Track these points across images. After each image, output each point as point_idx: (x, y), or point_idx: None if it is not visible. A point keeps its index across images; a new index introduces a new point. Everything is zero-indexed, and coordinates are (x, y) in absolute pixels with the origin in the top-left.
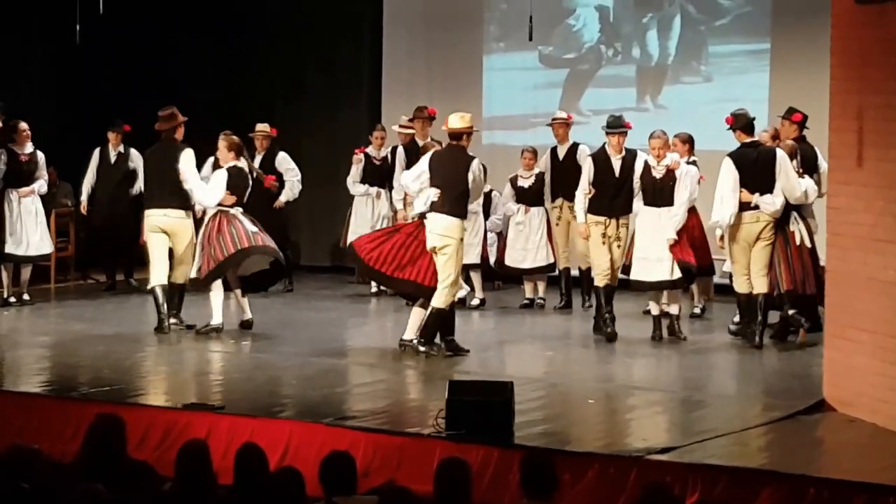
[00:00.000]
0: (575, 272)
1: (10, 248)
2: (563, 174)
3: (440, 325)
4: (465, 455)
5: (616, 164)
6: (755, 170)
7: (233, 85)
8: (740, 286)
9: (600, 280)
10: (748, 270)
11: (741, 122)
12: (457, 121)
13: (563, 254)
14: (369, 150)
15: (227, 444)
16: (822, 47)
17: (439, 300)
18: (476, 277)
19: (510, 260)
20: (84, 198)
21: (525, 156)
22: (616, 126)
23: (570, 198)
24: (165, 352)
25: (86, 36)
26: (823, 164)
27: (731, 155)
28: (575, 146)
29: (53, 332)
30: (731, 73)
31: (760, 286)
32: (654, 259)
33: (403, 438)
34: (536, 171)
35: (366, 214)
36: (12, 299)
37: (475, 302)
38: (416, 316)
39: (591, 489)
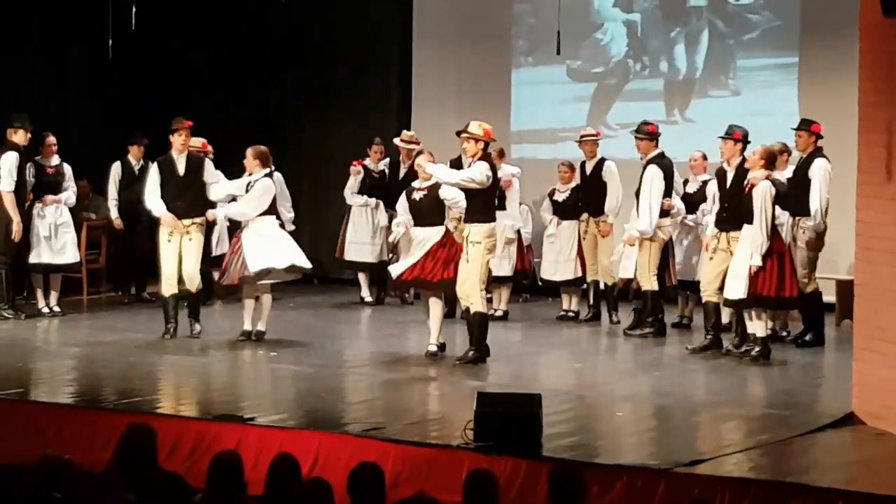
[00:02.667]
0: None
1: (39, 258)
2: (589, 189)
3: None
4: (494, 467)
5: (729, 175)
6: (671, 178)
7: (264, 98)
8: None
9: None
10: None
11: (656, 136)
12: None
13: (591, 267)
14: (367, 162)
15: (256, 456)
16: (850, 61)
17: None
18: (505, 290)
19: (544, 272)
20: (115, 213)
21: (561, 170)
22: (726, 133)
23: (595, 212)
24: (196, 363)
25: (118, 50)
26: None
27: (659, 165)
28: (602, 162)
29: (85, 343)
30: (760, 86)
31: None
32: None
33: (432, 450)
34: (572, 184)
35: (364, 225)
36: (45, 310)
37: (498, 314)
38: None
39: (619, 502)
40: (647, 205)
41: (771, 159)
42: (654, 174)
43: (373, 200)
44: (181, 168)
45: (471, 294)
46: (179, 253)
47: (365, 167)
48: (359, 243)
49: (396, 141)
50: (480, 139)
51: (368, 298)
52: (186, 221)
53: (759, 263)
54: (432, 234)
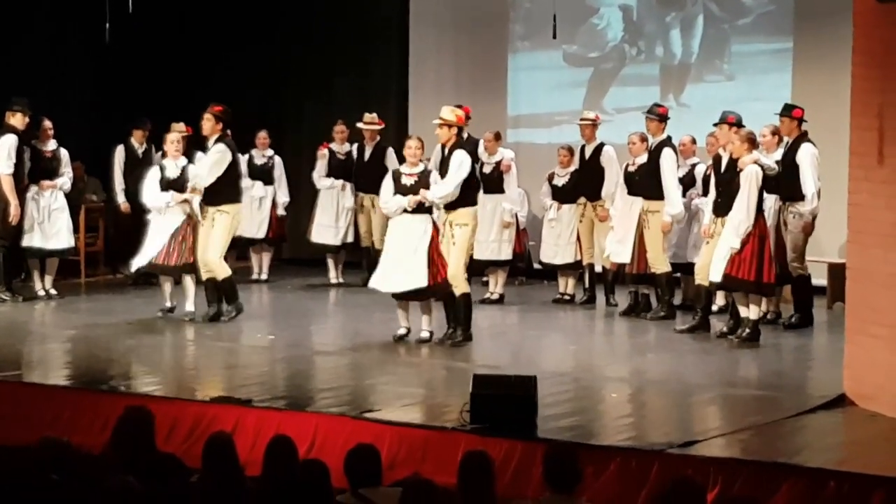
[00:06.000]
0: (598, 269)
1: (32, 242)
2: (587, 174)
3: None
4: (489, 448)
5: (724, 161)
6: None
7: (261, 85)
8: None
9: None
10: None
11: (666, 118)
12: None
13: (588, 251)
14: (333, 145)
15: (254, 437)
16: (844, 46)
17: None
18: (501, 273)
19: (543, 255)
20: (122, 197)
21: (560, 153)
22: (720, 119)
23: (592, 197)
24: (193, 346)
25: (115, 35)
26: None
27: (673, 147)
28: (600, 147)
29: (83, 326)
30: (754, 71)
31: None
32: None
33: (428, 432)
34: (572, 168)
35: (330, 207)
36: (41, 293)
37: (494, 297)
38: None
39: (613, 482)
40: (674, 187)
41: (752, 140)
42: (670, 156)
43: (339, 182)
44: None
45: (456, 276)
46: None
47: (330, 150)
48: (324, 226)
49: (359, 125)
50: (453, 125)
51: (334, 280)
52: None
53: (737, 246)
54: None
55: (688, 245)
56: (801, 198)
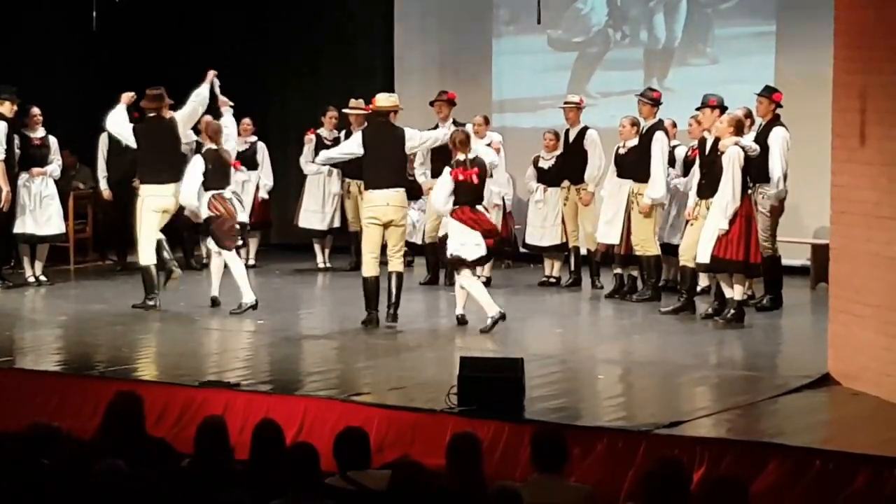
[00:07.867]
0: (583, 252)
1: (23, 228)
2: (570, 157)
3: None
4: (477, 430)
5: (708, 143)
6: None
7: (247, 72)
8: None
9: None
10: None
11: (659, 102)
12: (385, 100)
13: (573, 233)
14: (321, 130)
15: (243, 421)
16: (826, 28)
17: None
18: None
19: (529, 238)
20: (104, 185)
21: (546, 138)
22: (702, 103)
23: (576, 180)
24: (182, 330)
25: (102, 22)
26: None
27: (665, 131)
28: (584, 130)
29: (72, 312)
30: (737, 54)
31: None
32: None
33: (416, 414)
34: (557, 152)
35: (317, 192)
36: (31, 279)
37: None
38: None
39: (600, 463)
40: (660, 171)
41: (738, 126)
42: (662, 140)
43: (325, 168)
44: None
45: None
46: None
47: (318, 135)
48: (311, 211)
49: (345, 110)
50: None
51: (322, 265)
52: None
53: (726, 227)
54: None
55: (667, 226)
56: (769, 180)
